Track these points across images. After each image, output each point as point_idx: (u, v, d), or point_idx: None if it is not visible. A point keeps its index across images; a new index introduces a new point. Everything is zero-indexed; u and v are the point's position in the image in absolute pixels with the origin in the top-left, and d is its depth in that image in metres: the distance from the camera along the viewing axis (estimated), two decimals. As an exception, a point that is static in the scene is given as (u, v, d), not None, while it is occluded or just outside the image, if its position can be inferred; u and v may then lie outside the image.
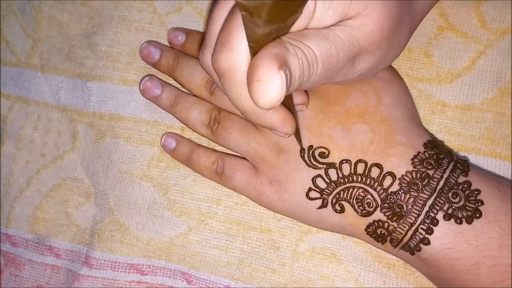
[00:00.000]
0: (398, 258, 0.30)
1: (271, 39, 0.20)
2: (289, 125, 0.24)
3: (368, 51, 0.23)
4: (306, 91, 0.28)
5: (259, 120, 0.23)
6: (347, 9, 0.22)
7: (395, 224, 0.27)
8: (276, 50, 0.20)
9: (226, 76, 0.22)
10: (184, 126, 0.34)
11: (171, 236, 0.34)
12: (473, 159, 0.31)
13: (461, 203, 0.26)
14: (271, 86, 0.19)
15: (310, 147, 0.28)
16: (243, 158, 0.31)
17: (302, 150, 0.28)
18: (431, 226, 0.26)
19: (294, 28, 0.21)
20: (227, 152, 0.32)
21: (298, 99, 0.27)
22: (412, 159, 0.27)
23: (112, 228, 0.34)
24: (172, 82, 0.34)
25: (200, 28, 0.35)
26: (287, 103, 0.24)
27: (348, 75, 0.24)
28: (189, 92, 0.33)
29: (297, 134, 0.27)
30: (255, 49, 0.20)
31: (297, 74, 0.20)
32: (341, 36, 0.22)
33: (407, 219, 0.26)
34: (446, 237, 0.26)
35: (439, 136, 0.31)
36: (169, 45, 0.34)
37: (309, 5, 0.21)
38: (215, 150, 0.33)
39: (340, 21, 0.22)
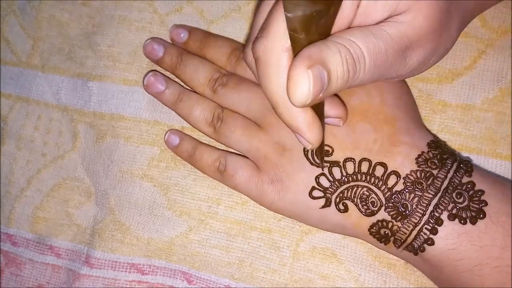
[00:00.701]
0: (398, 258, 0.30)
1: (314, 29, 0.20)
2: (314, 133, 0.23)
3: (418, 45, 0.23)
4: (345, 106, 0.27)
5: (286, 115, 0.23)
6: (397, 3, 0.22)
7: (399, 224, 0.27)
8: (313, 49, 0.20)
9: (261, 60, 0.22)
10: (184, 126, 0.34)
11: (172, 236, 0.34)
12: (473, 159, 0.31)
13: (465, 203, 0.26)
14: (300, 85, 0.20)
15: None
16: (246, 157, 0.31)
17: (323, 155, 0.28)
18: (436, 226, 0.26)
19: (340, 23, 0.22)
20: (230, 150, 0.32)
21: (333, 111, 0.26)
22: (416, 159, 0.27)
23: (112, 227, 0.35)
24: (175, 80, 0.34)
25: (201, 27, 0.35)
26: (318, 111, 0.24)
27: (400, 71, 0.24)
28: (192, 90, 0.33)
29: (320, 149, 0.26)
30: (297, 37, 0.20)
31: (339, 72, 0.20)
32: (390, 32, 0.22)
33: (412, 219, 0.26)
34: (450, 238, 0.26)
35: (440, 136, 0.31)
36: (171, 43, 0.34)
37: None
38: (217, 148, 0.33)
39: (389, 17, 0.22)
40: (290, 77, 0.20)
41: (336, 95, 0.27)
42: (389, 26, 0.22)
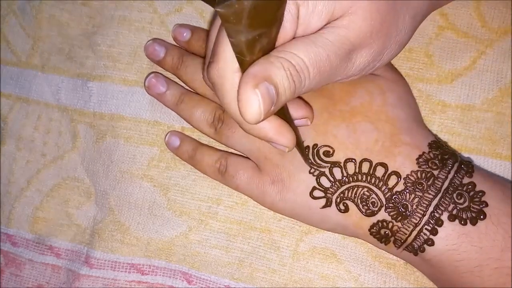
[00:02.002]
0: (398, 258, 0.30)
1: (259, 48, 0.21)
2: (285, 137, 0.24)
3: (362, 46, 0.23)
4: (310, 106, 0.28)
5: (252, 130, 0.24)
6: (332, 9, 0.22)
7: (399, 224, 0.27)
8: (256, 68, 0.21)
9: (217, 86, 0.23)
10: (184, 126, 0.34)
11: (171, 236, 0.34)
12: (473, 159, 0.31)
13: (466, 204, 0.26)
14: (250, 105, 0.20)
15: (315, 145, 0.28)
16: (247, 157, 0.31)
17: (305, 152, 0.28)
18: (436, 226, 0.26)
19: (284, 36, 0.22)
20: (230, 151, 0.32)
21: (298, 113, 0.27)
22: (417, 159, 0.27)
23: (112, 228, 0.35)
24: (176, 80, 0.34)
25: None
26: (283, 116, 0.25)
27: (348, 72, 0.24)
28: (193, 91, 0.33)
29: (299, 149, 0.27)
30: (244, 59, 0.21)
31: (286, 84, 0.21)
32: (330, 38, 0.22)
33: (412, 219, 0.26)
34: (450, 238, 0.26)
35: (440, 136, 0.31)
36: (173, 43, 0.34)
37: (291, 10, 0.22)
38: (218, 149, 0.33)
39: (327, 23, 0.23)
40: (239, 99, 0.21)
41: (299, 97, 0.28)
42: (328, 32, 0.22)
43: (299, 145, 0.27)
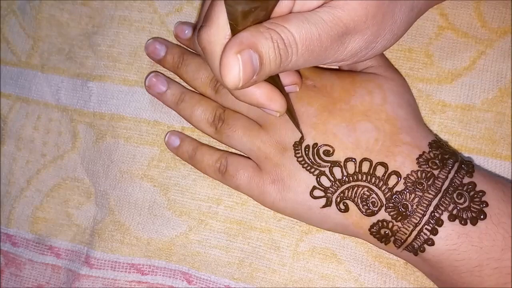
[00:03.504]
0: (398, 258, 0.30)
1: (253, 19, 0.22)
2: (276, 103, 0.25)
3: (356, 31, 0.23)
4: (298, 72, 0.28)
5: (243, 96, 0.25)
6: None
7: (399, 224, 0.27)
8: (244, 34, 0.21)
9: (207, 50, 0.23)
10: (184, 126, 0.34)
11: (172, 236, 0.34)
12: (473, 159, 0.31)
13: (466, 204, 0.26)
14: (230, 69, 0.21)
15: (315, 144, 0.28)
16: (247, 157, 0.31)
17: (302, 138, 0.28)
18: (436, 226, 0.26)
19: (280, 11, 0.23)
20: (231, 151, 0.32)
21: (287, 79, 0.27)
22: (417, 159, 0.27)
23: (112, 228, 0.35)
24: (177, 79, 0.34)
25: (201, 28, 0.35)
26: (274, 82, 0.25)
27: (339, 56, 0.25)
28: (194, 90, 0.33)
29: (291, 116, 0.27)
30: (236, 28, 0.22)
31: (271, 56, 0.22)
32: (324, 17, 0.23)
33: (412, 219, 0.26)
34: (450, 238, 0.26)
35: (440, 136, 0.31)
36: (173, 42, 0.34)
37: None
38: (218, 149, 0.33)
39: (325, 3, 0.23)
40: (221, 62, 0.21)
41: None
42: (324, 12, 0.23)
43: (290, 111, 0.27)
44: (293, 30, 0.22)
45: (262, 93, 0.24)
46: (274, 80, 0.25)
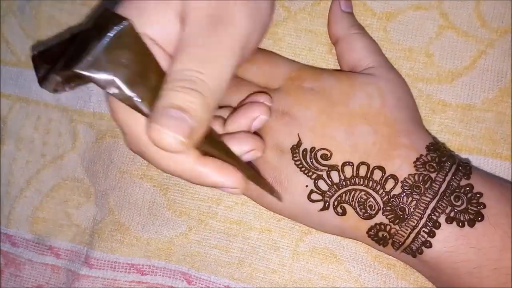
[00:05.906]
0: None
1: (150, 89, 0.22)
2: (230, 178, 0.24)
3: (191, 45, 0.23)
4: (257, 135, 0.28)
5: (196, 179, 0.24)
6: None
7: (397, 227, 0.27)
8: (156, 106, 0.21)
9: (142, 155, 0.24)
10: (184, 126, 0.34)
11: (171, 236, 0.34)
12: (473, 159, 0.31)
13: (464, 206, 0.26)
14: (162, 132, 0.20)
15: (313, 148, 0.28)
16: None
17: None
18: (433, 229, 0.26)
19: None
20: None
21: (242, 147, 0.26)
22: (414, 162, 0.27)
23: (112, 228, 0.34)
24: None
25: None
26: (224, 156, 0.24)
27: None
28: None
29: (259, 184, 0.26)
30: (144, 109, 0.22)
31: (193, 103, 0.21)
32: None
33: (409, 222, 0.26)
34: (448, 240, 0.26)
35: (440, 136, 0.31)
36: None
37: None
38: None
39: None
40: (149, 135, 0.20)
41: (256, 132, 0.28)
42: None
43: (257, 179, 0.26)
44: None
45: (212, 171, 0.23)
46: (224, 153, 0.24)
